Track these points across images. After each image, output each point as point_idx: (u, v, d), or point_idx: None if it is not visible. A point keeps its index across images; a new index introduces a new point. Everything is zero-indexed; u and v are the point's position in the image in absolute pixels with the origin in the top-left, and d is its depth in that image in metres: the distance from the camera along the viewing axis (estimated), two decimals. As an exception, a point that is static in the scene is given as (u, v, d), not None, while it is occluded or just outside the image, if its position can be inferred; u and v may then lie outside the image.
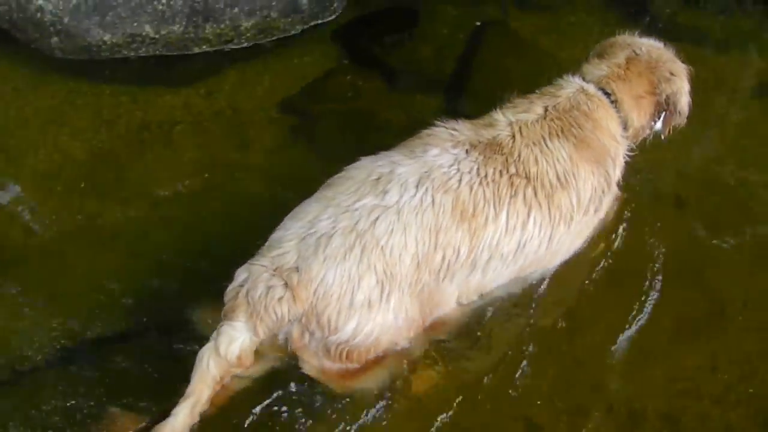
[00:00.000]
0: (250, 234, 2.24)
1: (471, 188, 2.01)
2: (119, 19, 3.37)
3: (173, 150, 3.17)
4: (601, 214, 2.39)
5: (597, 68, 2.42)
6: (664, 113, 2.46)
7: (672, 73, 2.43)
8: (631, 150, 2.46)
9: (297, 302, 1.86)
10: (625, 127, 2.38)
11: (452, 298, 2.16)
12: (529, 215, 2.10)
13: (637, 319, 2.53)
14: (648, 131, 2.51)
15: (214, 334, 1.89)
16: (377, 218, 1.91)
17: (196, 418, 1.85)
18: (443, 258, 2.00)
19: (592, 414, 2.33)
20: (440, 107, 3.30)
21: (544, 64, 3.49)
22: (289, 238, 1.93)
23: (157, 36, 3.45)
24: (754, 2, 3.98)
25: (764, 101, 3.50)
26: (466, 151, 2.09)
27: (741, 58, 3.68)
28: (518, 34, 3.77)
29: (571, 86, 2.35)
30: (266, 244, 2.01)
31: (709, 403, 2.42)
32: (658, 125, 2.55)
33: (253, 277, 1.90)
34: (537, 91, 2.39)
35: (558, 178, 2.14)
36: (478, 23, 3.72)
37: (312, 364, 2.01)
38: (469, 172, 2.04)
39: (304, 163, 3.06)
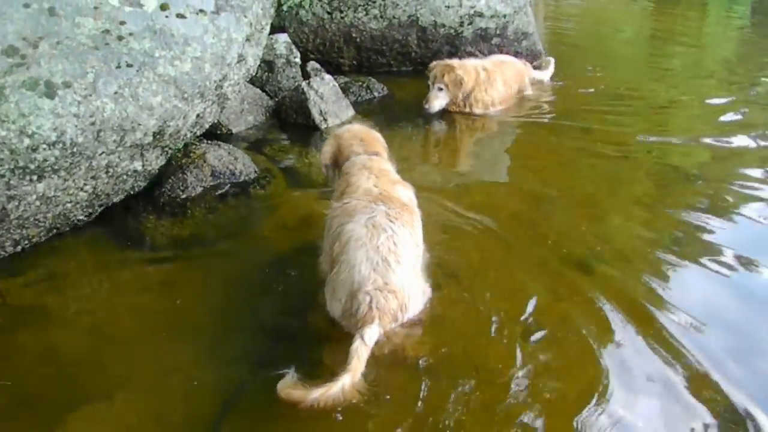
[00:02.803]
0: None
1: (404, 213, 3.25)
2: None
3: None
4: None
5: (359, 147, 3.74)
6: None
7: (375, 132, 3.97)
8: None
9: (397, 298, 2.95)
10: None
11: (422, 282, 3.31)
12: (414, 219, 3.36)
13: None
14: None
15: (359, 334, 2.79)
16: (395, 241, 3.06)
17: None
18: (417, 253, 3.29)
19: None
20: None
21: (52, 330, 3.33)
22: (366, 273, 2.95)
23: None
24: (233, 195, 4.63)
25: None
26: (382, 203, 3.24)
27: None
28: (20, 306, 3.50)
29: (363, 160, 3.63)
30: (354, 283, 2.95)
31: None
32: None
33: (374, 296, 2.89)
34: (354, 168, 3.57)
35: (408, 200, 3.47)
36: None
37: (391, 337, 3.00)
38: (393, 208, 3.23)
39: None
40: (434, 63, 6.55)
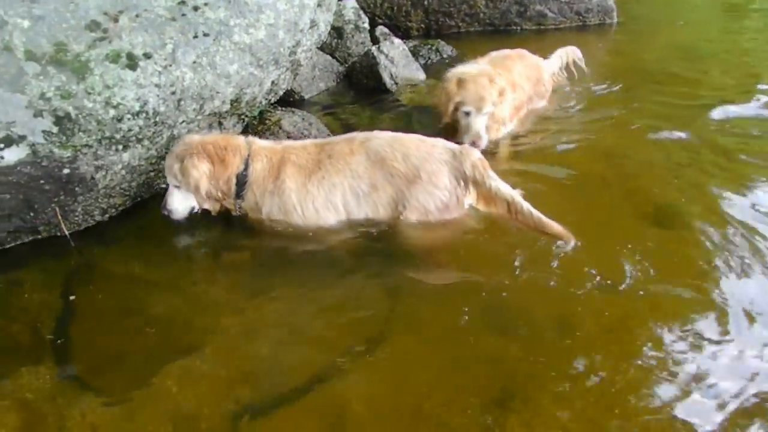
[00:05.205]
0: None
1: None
2: None
3: None
4: None
5: (241, 149, 3.70)
6: None
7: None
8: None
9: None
10: None
11: None
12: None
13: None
14: None
15: (489, 180, 3.57)
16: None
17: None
18: None
19: None
20: (52, 375, 3.05)
21: (137, 288, 3.50)
22: (443, 151, 3.65)
23: None
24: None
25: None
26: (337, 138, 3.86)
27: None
28: (110, 270, 3.67)
29: (262, 151, 3.74)
30: (446, 170, 3.59)
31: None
32: None
33: (466, 152, 3.66)
34: (272, 158, 3.69)
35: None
36: (73, 297, 3.45)
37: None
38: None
39: None
40: (446, 78, 4.80)
